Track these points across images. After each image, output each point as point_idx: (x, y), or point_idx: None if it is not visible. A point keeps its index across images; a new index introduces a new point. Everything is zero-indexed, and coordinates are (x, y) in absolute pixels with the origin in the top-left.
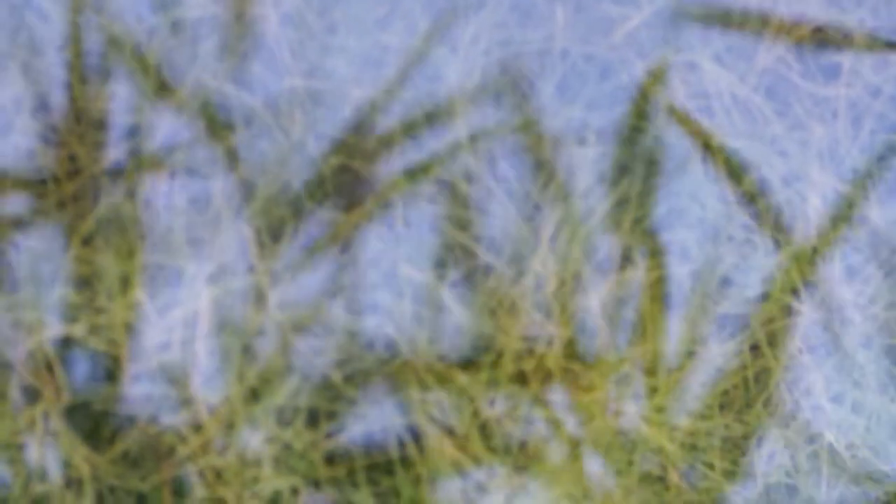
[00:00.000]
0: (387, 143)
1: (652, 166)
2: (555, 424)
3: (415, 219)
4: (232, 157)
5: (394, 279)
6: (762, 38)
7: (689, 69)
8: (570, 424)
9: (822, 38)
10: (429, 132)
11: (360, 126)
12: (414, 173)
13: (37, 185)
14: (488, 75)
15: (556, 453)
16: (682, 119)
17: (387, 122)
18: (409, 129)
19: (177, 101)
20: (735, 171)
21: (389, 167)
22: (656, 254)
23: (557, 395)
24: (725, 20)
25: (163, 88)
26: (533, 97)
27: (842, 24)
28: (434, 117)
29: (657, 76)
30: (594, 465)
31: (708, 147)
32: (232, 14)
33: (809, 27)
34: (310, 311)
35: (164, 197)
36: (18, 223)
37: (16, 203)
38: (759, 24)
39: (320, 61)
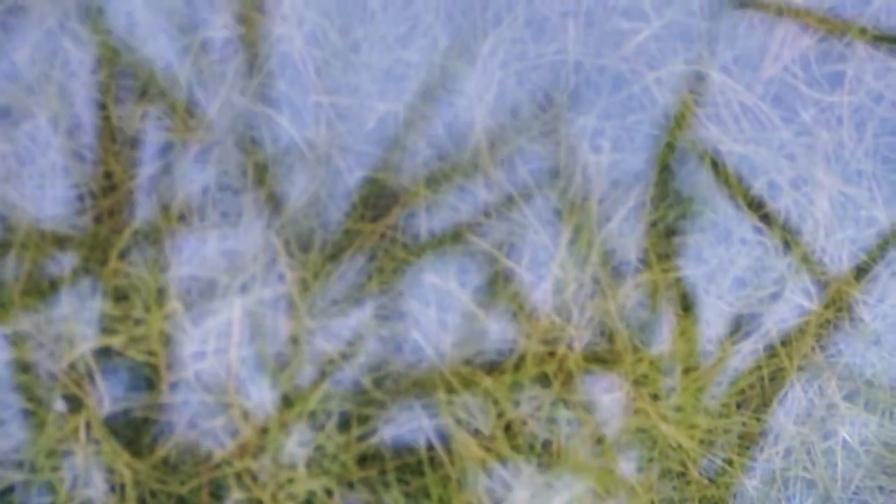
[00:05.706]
0: (414, 194)
1: (667, 172)
2: (580, 424)
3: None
4: (262, 173)
5: (421, 288)
6: (768, 49)
7: (698, 80)
8: (594, 423)
9: (826, 48)
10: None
11: (388, 145)
12: (443, 238)
13: (75, 202)
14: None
15: (579, 452)
16: (708, 158)
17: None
18: (435, 182)
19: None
20: (744, 179)
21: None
22: (672, 256)
23: (581, 395)
24: (732, 32)
25: (191, 108)
26: (570, 127)
27: (844, 33)
28: (463, 160)
29: (683, 114)
30: (618, 463)
31: (727, 181)
32: (256, 35)
33: (813, 37)
34: (341, 315)
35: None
36: (58, 240)
37: (55, 221)
38: (765, 34)
39: (344, 78)
